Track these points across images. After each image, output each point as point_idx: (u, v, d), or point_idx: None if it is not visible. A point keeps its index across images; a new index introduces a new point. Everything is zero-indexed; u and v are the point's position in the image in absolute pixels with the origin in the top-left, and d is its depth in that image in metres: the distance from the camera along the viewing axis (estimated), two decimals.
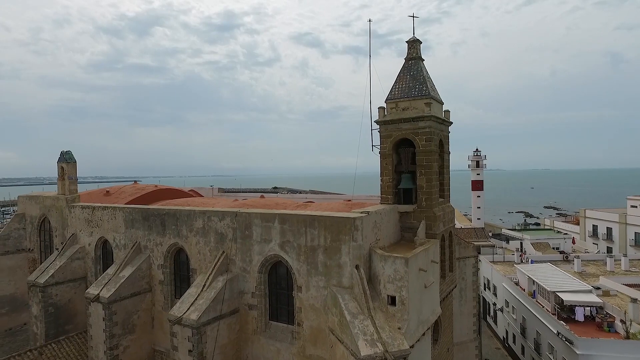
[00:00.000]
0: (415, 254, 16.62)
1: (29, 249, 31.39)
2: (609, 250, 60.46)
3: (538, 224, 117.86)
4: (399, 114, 21.28)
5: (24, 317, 31.23)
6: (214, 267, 20.15)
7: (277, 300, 19.89)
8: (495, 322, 46.20)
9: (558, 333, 28.90)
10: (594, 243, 64.47)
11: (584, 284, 33.79)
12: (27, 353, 22.03)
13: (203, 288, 19.55)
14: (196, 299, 19.17)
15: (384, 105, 22.02)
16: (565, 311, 31.40)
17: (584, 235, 67.31)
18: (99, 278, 23.48)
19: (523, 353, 36.99)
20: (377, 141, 22.01)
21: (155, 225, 23.44)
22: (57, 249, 28.07)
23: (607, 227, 62.06)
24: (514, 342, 39.53)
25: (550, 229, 74.29)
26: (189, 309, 18.77)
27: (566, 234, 63.98)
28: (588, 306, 30.60)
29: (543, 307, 33.06)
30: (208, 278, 19.81)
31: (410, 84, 21.81)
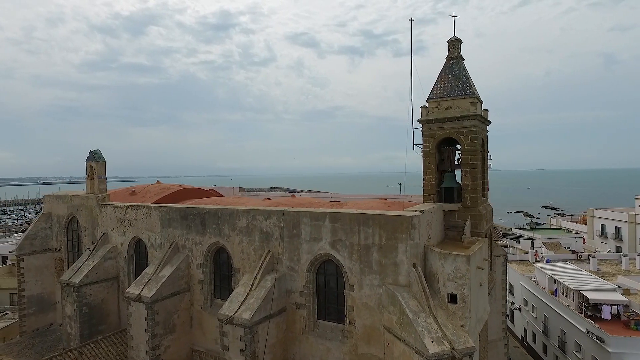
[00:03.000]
0: (474, 251, 16.70)
1: (56, 249, 31.12)
2: (618, 249, 60.99)
3: (538, 224, 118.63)
4: (442, 113, 21.36)
5: (50, 317, 31.01)
6: (261, 266, 20.10)
7: (325, 299, 19.90)
8: (512, 320, 46.44)
9: (588, 331, 29.12)
10: (602, 242, 65.01)
11: (608, 282, 34.09)
12: (68, 353, 21.87)
13: (251, 287, 19.50)
14: (246, 298, 19.12)
15: (427, 104, 22.12)
16: (590, 310, 31.65)
17: (592, 235, 67.85)
18: (138, 278, 23.31)
19: (545, 351, 37.22)
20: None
21: (195, 224, 23.33)
22: (88, 248, 27.85)
23: (616, 227, 62.58)
24: (534, 340, 39.77)
25: (558, 229, 74.83)
26: (239, 308, 18.71)
27: (577, 233, 64.48)
28: (614, 304, 30.86)
29: (568, 305, 33.30)
30: (256, 277, 19.76)
31: (453, 83, 21.89)
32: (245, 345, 18.08)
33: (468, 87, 21.48)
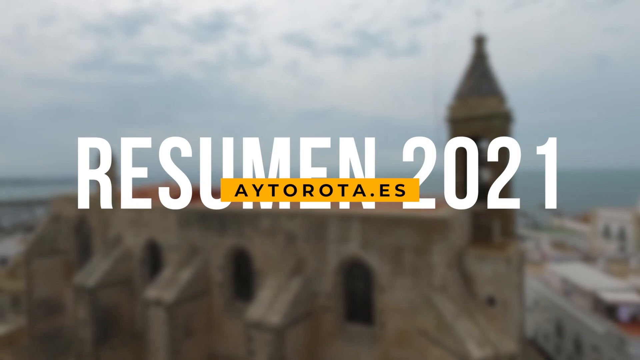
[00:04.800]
0: (513, 253, 16.32)
1: (64, 251, 30.32)
2: (621, 249, 61.04)
3: (537, 224, 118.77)
4: (469, 111, 20.97)
5: (58, 321, 30.19)
6: (286, 268, 19.58)
7: (351, 302, 19.41)
8: None
9: (607, 333, 28.87)
10: (606, 242, 65.05)
11: (624, 283, 33.92)
12: (85, 359, 21.19)
13: (278, 290, 18.97)
14: (273, 301, 18.58)
15: (452, 103, 21.74)
16: (605, 311, 31.41)
17: (595, 235, 67.89)
18: (156, 280, 22.67)
19: (558, 352, 36.98)
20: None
21: (214, 225, 22.75)
22: (99, 250, 27.12)
23: (620, 226, 62.63)
24: (546, 341, 39.53)
25: (560, 229, 74.91)
26: (266, 312, 18.17)
27: (582, 233, 64.52)
28: (632, 306, 30.61)
29: (584, 307, 33.07)
30: (282, 280, 19.24)
31: (479, 82, 21.53)
32: (274, 350, 17.55)
33: (495, 86, 21.15)
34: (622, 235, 62.61)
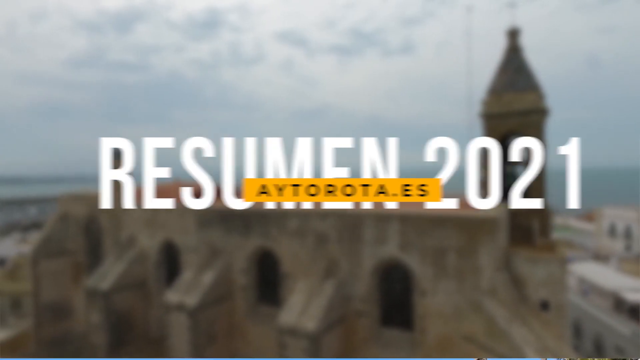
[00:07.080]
0: (564, 255, 15.54)
1: (72, 252, 29.10)
2: (628, 248, 60.92)
3: None
4: (505, 107, 20.14)
5: (66, 325, 28.97)
6: (317, 271, 18.65)
7: (388, 306, 18.53)
8: None
9: (633, 334, 28.35)
10: (612, 241, 64.92)
11: None
12: None
13: (310, 295, 18.04)
14: (306, 306, 17.64)
15: (486, 98, 20.90)
16: (629, 311, 30.97)
17: (600, 233, 67.77)
18: (176, 283, 21.61)
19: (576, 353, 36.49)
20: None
21: (236, 226, 21.73)
22: (111, 252, 25.97)
23: (626, 225, 62.50)
24: None
25: (565, 227, 74.79)
26: (301, 317, 17.22)
27: (587, 232, 64.36)
28: None
29: (604, 307, 32.57)
30: (313, 283, 18.30)
31: (514, 76, 20.67)
32: (310, 357, 16.61)
33: (532, 80, 20.30)
34: (628, 234, 62.48)
